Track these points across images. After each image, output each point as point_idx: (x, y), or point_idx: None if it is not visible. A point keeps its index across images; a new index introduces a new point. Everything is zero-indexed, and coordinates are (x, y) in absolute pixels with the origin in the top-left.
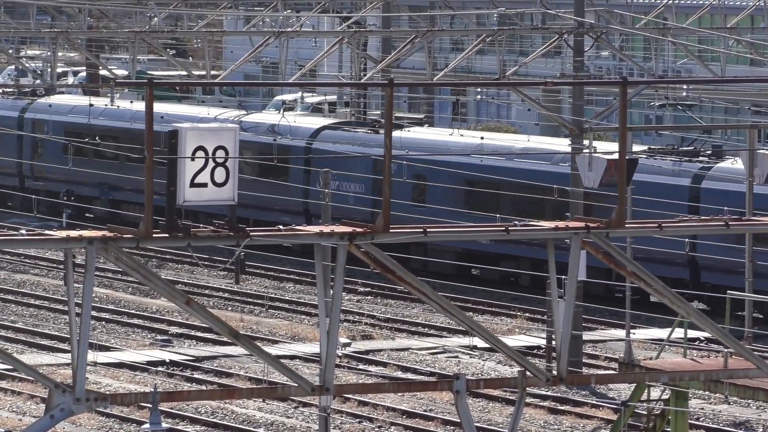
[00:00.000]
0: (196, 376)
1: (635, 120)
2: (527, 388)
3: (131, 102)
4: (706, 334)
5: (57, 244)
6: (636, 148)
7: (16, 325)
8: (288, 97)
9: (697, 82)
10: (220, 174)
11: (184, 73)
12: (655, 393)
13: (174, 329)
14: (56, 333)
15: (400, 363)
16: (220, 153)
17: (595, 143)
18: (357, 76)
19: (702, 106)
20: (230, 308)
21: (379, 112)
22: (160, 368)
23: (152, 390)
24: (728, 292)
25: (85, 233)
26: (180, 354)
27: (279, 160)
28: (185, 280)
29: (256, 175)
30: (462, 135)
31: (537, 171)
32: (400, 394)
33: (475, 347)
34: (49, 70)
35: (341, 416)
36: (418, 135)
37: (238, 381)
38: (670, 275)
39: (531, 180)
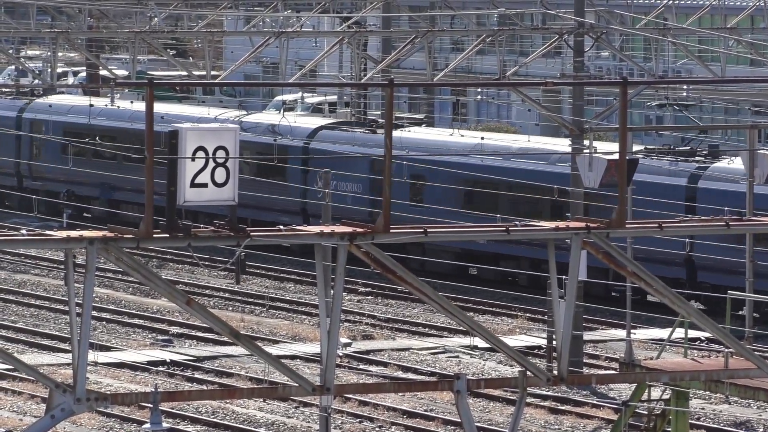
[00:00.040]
0: (196, 376)
1: (635, 120)
2: (528, 388)
3: (131, 102)
4: (707, 334)
5: (57, 245)
6: (634, 148)
7: (17, 325)
8: (288, 97)
9: (697, 82)
10: (220, 174)
11: (184, 73)
12: (655, 393)
13: (174, 329)
14: (57, 333)
15: (400, 363)
16: (221, 153)
17: (595, 143)
18: (357, 77)
19: (702, 107)
20: (231, 308)
21: (379, 113)
22: (160, 368)
23: (153, 390)
24: (728, 292)
25: (86, 233)
26: (180, 354)
27: (277, 160)
28: (186, 280)
29: (254, 174)
30: (460, 135)
31: (534, 171)
32: (400, 394)
33: (475, 347)
34: (49, 70)
35: (342, 416)
36: (415, 135)
37: (239, 381)
38: (667, 275)
39: (528, 180)
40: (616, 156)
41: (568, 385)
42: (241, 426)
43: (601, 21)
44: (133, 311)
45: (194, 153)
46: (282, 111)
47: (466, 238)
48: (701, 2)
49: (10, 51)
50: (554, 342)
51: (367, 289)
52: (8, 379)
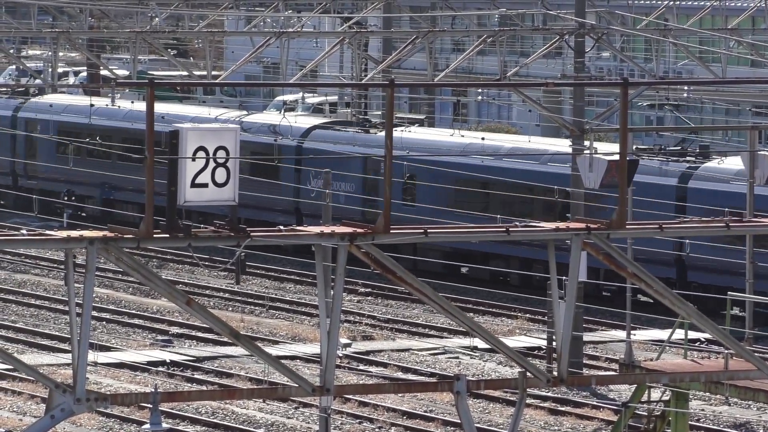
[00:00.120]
0: (196, 376)
1: (636, 121)
2: (528, 389)
3: (132, 102)
4: (707, 336)
5: (58, 245)
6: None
7: (17, 325)
8: (289, 97)
9: (697, 83)
10: (220, 174)
11: (185, 73)
12: (655, 394)
13: (174, 329)
14: (57, 333)
15: (400, 364)
16: (221, 153)
17: (595, 144)
18: (358, 77)
19: (702, 107)
20: (231, 308)
21: (380, 113)
22: (160, 368)
23: (153, 390)
24: (729, 293)
25: (86, 233)
26: (180, 354)
27: (271, 159)
28: (186, 281)
29: (250, 174)
30: (454, 135)
31: (525, 171)
32: (400, 395)
33: (475, 348)
34: (49, 70)
35: (342, 417)
36: (411, 135)
37: (239, 381)
38: (657, 275)
39: (519, 179)
40: (617, 157)
41: (567, 386)
42: (241, 426)
43: (602, 22)
44: (133, 311)
45: (195, 153)
46: (283, 111)
47: (467, 239)
48: (702, 3)
49: (11, 51)
50: (554, 343)
51: (366, 290)
52: (8, 379)
